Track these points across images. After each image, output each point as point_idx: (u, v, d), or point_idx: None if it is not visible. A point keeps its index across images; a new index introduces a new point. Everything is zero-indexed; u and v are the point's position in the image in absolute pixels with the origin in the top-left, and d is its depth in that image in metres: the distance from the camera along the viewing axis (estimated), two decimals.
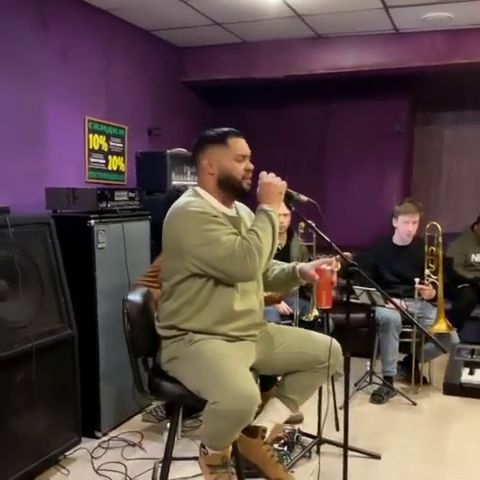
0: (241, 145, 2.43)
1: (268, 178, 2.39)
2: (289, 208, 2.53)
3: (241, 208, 2.58)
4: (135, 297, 2.53)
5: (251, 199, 2.47)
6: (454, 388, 4.15)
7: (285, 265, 2.62)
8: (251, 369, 2.38)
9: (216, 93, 5.88)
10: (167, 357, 2.40)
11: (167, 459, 2.42)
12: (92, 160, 4.42)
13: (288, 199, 2.45)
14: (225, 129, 2.46)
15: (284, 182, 2.40)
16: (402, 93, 5.79)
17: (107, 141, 4.58)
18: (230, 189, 2.42)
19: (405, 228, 4.35)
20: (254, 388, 2.16)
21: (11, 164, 3.64)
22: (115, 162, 4.68)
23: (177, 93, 5.58)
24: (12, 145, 3.66)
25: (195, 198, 2.39)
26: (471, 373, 4.20)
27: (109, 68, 4.61)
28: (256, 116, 5.86)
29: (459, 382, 4.15)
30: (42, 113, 3.93)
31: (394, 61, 5.03)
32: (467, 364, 4.26)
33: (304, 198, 2.45)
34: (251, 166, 2.44)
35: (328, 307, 2.57)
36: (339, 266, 2.48)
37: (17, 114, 3.71)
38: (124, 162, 4.78)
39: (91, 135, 4.40)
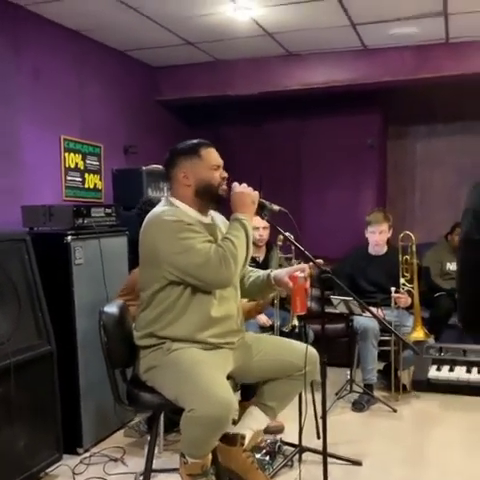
0: (214, 155, 2.49)
1: (240, 188, 2.44)
2: (262, 218, 2.57)
3: (216, 216, 2.62)
4: (111, 309, 2.54)
5: (226, 208, 2.52)
6: (422, 384, 4.31)
7: (261, 272, 2.66)
8: (229, 377, 2.40)
9: (191, 111, 5.96)
10: (145, 367, 2.41)
11: (148, 470, 2.42)
12: (69, 178, 4.45)
13: (261, 209, 2.50)
14: (195, 141, 2.51)
15: (256, 192, 2.45)
16: (373, 108, 5.93)
17: (83, 159, 4.61)
18: (208, 197, 2.46)
19: (372, 238, 4.44)
20: (230, 395, 2.19)
21: None
22: (92, 180, 4.71)
23: (152, 112, 5.65)
24: None
25: (169, 207, 2.43)
26: (438, 370, 4.36)
27: (83, 88, 4.65)
28: (232, 133, 5.94)
29: (426, 378, 4.30)
30: (17, 132, 3.96)
31: (364, 76, 5.16)
32: (435, 361, 4.41)
33: (276, 207, 2.51)
34: (225, 174, 2.50)
35: (303, 313, 2.60)
36: (308, 271, 2.53)
37: None
38: (101, 180, 4.81)
39: (67, 154, 4.43)
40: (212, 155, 2.48)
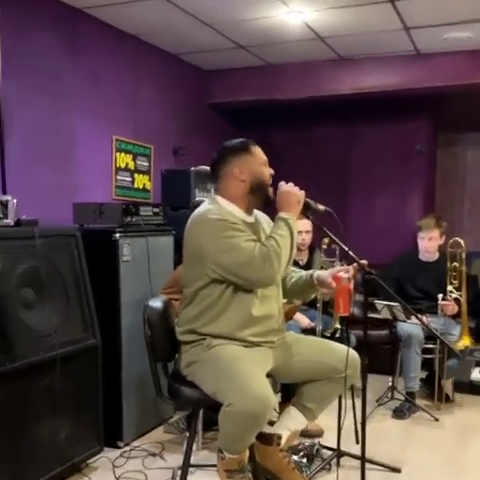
0: (261, 152, 2.55)
1: (287, 187, 2.46)
2: (307, 217, 2.58)
3: (260, 215, 2.64)
4: (155, 303, 2.60)
5: (271, 208, 2.54)
6: (464, 386, 4.29)
7: (303, 272, 2.67)
8: (268, 375, 2.41)
9: (241, 114, 6.01)
10: (186, 362, 2.45)
11: (186, 465, 2.46)
12: (119, 178, 4.55)
13: (306, 208, 2.50)
14: (243, 139, 2.56)
15: (302, 191, 2.47)
16: (423, 114, 5.84)
17: (134, 160, 4.71)
18: (260, 194, 2.49)
19: (422, 244, 4.40)
20: (268, 391, 2.19)
21: (42, 179, 3.78)
22: (141, 180, 4.81)
23: (202, 114, 5.72)
24: (43, 162, 3.81)
25: (214, 206, 2.46)
26: None
27: (137, 90, 4.76)
28: (279, 137, 5.95)
29: (469, 380, 4.25)
30: (72, 132, 4.08)
31: (415, 81, 5.09)
32: (478, 364, 4.30)
33: (321, 207, 2.51)
34: (272, 171, 2.54)
35: (346, 314, 2.62)
36: (352, 272, 2.52)
37: (48, 132, 3.87)
38: (150, 180, 4.91)
39: (118, 154, 4.53)
40: (260, 152, 2.54)
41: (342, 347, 2.61)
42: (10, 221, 2.85)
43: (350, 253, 2.45)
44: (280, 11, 4.11)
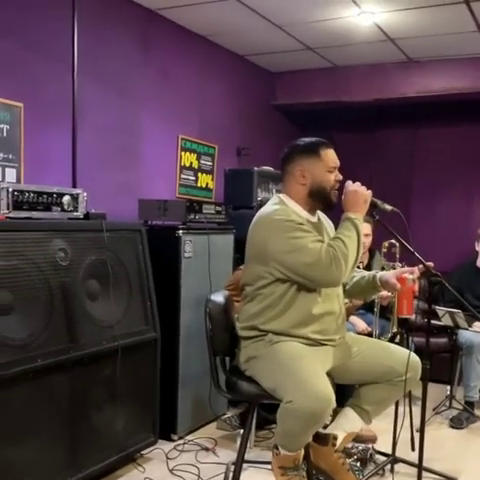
0: (332, 156, 2.48)
1: (354, 186, 2.42)
2: (373, 217, 2.54)
3: (322, 216, 2.63)
4: (217, 297, 2.63)
5: (336, 208, 2.52)
6: None
7: (366, 273, 2.64)
8: (327, 375, 2.39)
9: (305, 116, 5.99)
10: (246, 357, 2.47)
11: (239, 460, 2.48)
12: (183, 176, 4.63)
13: (373, 207, 2.48)
14: (315, 140, 2.50)
15: (369, 191, 2.43)
16: None
17: (198, 159, 4.78)
18: (320, 200, 2.47)
19: None
20: (329, 390, 2.19)
21: (109, 175, 3.89)
22: (204, 179, 4.87)
23: (267, 115, 5.75)
24: (111, 158, 3.93)
25: (280, 206, 2.45)
26: None
27: (203, 90, 4.83)
28: (344, 139, 5.88)
29: None
30: (139, 130, 4.19)
31: None
32: None
33: (388, 207, 2.48)
34: (340, 177, 2.49)
35: (409, 316, 2.59)
36: (417, 273, 2.48)
37: (117, 130, 3.98)
38: (213, 180, 4.97)
39: (183, 153, 4.61)
40: (331, 155, 2.47)
41: (403, 350, 2.57)
42: (80, 214, 2.95)
43: (416, 254, 2.41)
44: (351, 12, 4.10)
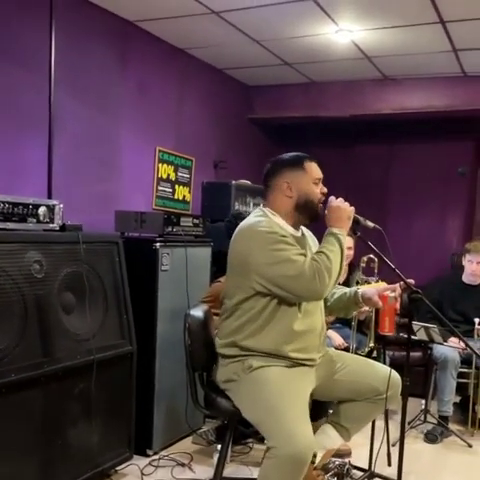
0: (316, 169, 2.49)
1: (337, 202, 2.43)
2: (355, 233, 2.56)
3: (306, 231, 2.63)
4: (196, 312, 2.61)
5: (319, 223, 2.53)
6: None
7: (347, 289, 2.65)
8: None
9: (282, 131, 6.03)
10: (225, 377, 2.43)
11: (217, 477, 2.46)
12: (160, 188, 4.61)
13: (355, 224, 2.49)
14: (299, 153, 2.52)
15: (352, 207, 2.45)
16: (467, 135, 5.77)
17: (175, 171, 4.77)
18: (307, 212, 2.46)
19: (470, 267, 4.35)
20: (312, 436, 2.18)
21: (85, 187, 3.85)
22: (181, 191, 4.86)
23: (243, 129, 5.77)
24: (87, 169, 3.89)
25: (263, 218, 2.43)
26: None
27: (181, 102, 4.83)
28: (320, 155, 5.90)
29: None
30: (117, 141, 4.15)
31: (460, 103, 5.05)
32: None
33: (370, 224, 2.50)
34: (325, 189, 2.50)
35: (390, 334, 2.62)
36: (398, 291, 2.50)
37: (94, 141, 3.94)
38: (190, 192, 4.95)
39: (160, 164, 4.59)
40: (314, 168, 2.48)
41: (384, 368, 2.59)
42: (56, 225, 2.90)
43: (397, 271, 2.43)
44: (329, 29, 4.14)
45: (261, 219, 2.42)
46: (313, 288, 2.26)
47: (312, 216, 2.49)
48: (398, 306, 2.52)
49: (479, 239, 4.52)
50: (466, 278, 4.43)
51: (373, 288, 2.61)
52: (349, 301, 2.59)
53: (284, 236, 2.35)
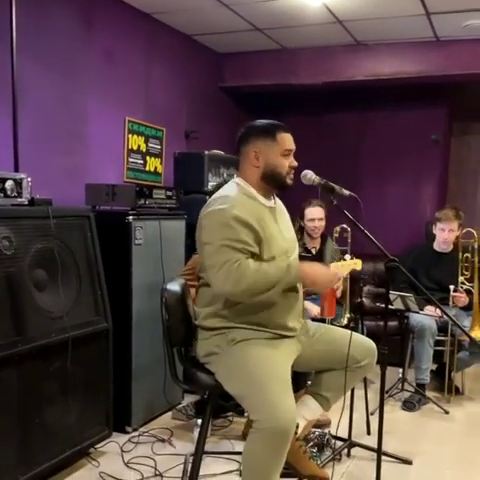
0: (289, 139, 2.43)
1: (333, 273, 2.38)
2: (331, 202, 2.51)
3: (280, 203, 2.58)
4: (173, 286, 2.55)
5: (289, 192, 2.48)
6: None
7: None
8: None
9: (253, 99, 5.92)
10: (206, 351, 2.40)
11: (199, 452, 2.43)
12: (131, 160, 4.49)
13: (331, 192, 2.45)
14: (273, 122, 2.45)
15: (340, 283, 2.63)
16: (439, 102, 5.76)
17: (146, 142, 4.64)
18: (273, 183, 2.42)
19: (441, 235, 4.35)
20: (295, 409, 2.18)
21: (54, 159, 3.72)
22: (153, 163, 4.74)
23: (214, 98, 5.64)
24: (55, 141, 3.75)
25: (233, 193, 2.37)
26: None
27: (149, 71, 4.68)
28: (293, 123, 5.82)
29: None
30: (84, 112, 4.01)
31: (433, 69, 5.00)
32: None
33: (346, 192, 2.47)
34: (295, 163, 2.43)
35: (331, 317, 2.96)
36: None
37: (60, 112, 3.80)
38: (161, 164, 4.84)
39: (130, 135, 4.47)
40: (287, 140, 2.42)
41: (361, 337, 2.59)
42: (24, 200, 2.79)
43: (374, 241, 2.41)
44: None
45: (228, 194, 2.36)
46: (223, 287, 2.23)
47: (279, 186, 2.44)
48: (339, 294, 2.78)
49: (450, 207, 4.51)
50: (438, 246, 4.44)
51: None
52: None
53: (245, 222, 2.26)
